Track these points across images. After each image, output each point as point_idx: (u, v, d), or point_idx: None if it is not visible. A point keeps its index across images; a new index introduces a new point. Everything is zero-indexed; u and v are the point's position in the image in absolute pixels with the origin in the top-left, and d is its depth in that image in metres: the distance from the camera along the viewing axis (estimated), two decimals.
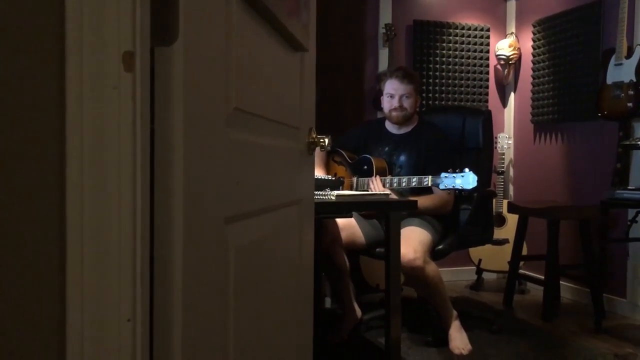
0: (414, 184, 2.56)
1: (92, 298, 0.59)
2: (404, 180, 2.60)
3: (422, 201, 2.53)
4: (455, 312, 2.67)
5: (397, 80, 2.81)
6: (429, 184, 2.48)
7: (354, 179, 2.76)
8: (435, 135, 2.84)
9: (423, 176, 2.54)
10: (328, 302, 3.29)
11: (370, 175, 2.69)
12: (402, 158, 2.81)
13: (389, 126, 2.91)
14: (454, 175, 2.39)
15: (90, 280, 0.59)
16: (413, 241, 2.46)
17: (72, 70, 0.58)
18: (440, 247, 2.70)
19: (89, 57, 0.58)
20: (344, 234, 2.67)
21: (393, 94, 2.81)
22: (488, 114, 3.03)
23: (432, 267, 2.52)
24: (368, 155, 2.78)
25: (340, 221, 2.67)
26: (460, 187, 2.39)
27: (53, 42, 0.58)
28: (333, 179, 2.67)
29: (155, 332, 0.64)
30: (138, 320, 0.59)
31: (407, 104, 2.80)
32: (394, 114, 2.83)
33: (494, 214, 3.44)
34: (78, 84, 0.58)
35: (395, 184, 2.62)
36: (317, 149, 1.33)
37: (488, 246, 3.35)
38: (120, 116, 0.58)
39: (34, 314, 0.58)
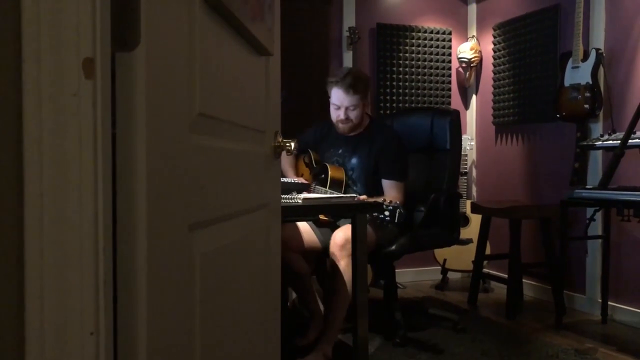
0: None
1: (53, 311, 0.57)
2: (335, 194, 2.57)
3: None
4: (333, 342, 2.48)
5: (342, 91, 2.71)
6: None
7: (312, 185, 2.77)
8: (385, 135, 2.82)
9: (355, 195, 2.50)
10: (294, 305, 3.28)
11: (325, 184, 2.71)
12: (354, 160, 2.81)
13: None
14: (385, 206, 2.34)
15: (51, 293, 0.57)
16: (349, 233, 2.41)
17: (29, 78, 0.56)
18: (392, 248, 2.72)
19: (47, 64, 0.56)
20: (299, 240, 2.66)
21: (339, 106, 2.76)
22: (456, 115, 3.05)
23: (349, 263, 2.41)
24: (327, 164, 2.79)
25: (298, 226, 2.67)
26: (387, 219, 2.35)
27: (9, 48, 0.56)
28: (300, 182, 2.67)
29: (120, 345, 0.62)
30: (102, 333, 0.57)
31: (352, 115, 2.75)
32: (340, 125, 2.79)
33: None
34: (36, 91, 0.56)
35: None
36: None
37: (453, 246, 3.40)
38: (80, 124, 0.57)
39: None
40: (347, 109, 2.74)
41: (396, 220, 2.32)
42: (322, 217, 2.67)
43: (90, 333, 0.57)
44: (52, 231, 0.58)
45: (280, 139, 1.35)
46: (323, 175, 2.75)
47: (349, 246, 2.42)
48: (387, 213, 2.33)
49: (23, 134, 0.56)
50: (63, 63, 0.56)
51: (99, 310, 0.58)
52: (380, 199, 2.43)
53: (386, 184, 2.77)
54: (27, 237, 0.57)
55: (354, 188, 2.78)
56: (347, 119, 2.75)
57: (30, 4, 0.56)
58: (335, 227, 2.75)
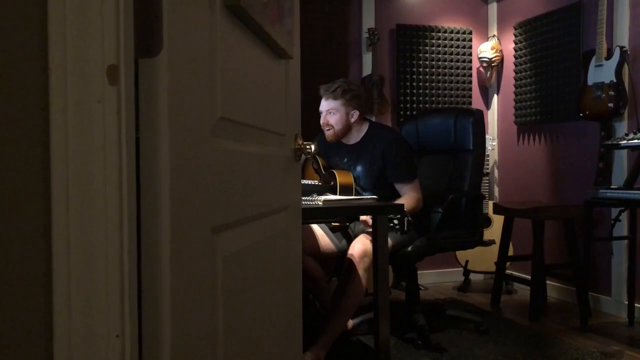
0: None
1: (80, 314, 0.58)
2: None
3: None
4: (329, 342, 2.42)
5: (322, 98, 2.79)
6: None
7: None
8: (385, 139, 2.78)
9: (376, 197, 2.50)
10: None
11: (335, 191, 2.70)
12: (359, 168, 2.80)
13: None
14: (394, 215, 2.34)
15: (77, 295, 0.58)
16: (369, 245, 2.43)
17: (55, 85, 0.57)
18: (409, 249, 2.70)
19: (72, 71, 0.57)
20: (313, 243, 2.66)
21: (321, 112, 2.81)
22: (479, 115, 3.00)
23: (365, 276, 2.46)
24: (334, 171, 2.79)
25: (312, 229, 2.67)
26: (397, 227, 2.33)
27: (36, 56, 0.57)
28: (320, 184, 2.67)
29: (144, 348, 0.63)
30: (127, 336, 0.58)
31: (332, 120, 2.76)
32: (325, 132, 2.82)
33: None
34: (62, 98, 0.57)
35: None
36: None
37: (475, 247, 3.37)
38: (105, 130, 0.58)
39: (19, 332, 0.57)
40: (326, 113, 2.78)
41: (405, 229, 2.32)
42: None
43: (116, 336, 0.58)
44: (78, 235, 0.59)
45: (300, 142, 1.35)
46: (332, 183, 2.75)
47: (367, 259, 2.43)
48: (395, 222, 2.33)
49: (50, 139, 0.57)
50: (88, 70, 0.57)
51: (124, 313, 0.58)
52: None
53: (399, 187, 2.75)
54: (54, 242, 0.58)
55: (364, 195, 2.77)
56: (328, 123, 2.77)
57: (56, 12, 0.57)
58: (348, 232, 2.75)
